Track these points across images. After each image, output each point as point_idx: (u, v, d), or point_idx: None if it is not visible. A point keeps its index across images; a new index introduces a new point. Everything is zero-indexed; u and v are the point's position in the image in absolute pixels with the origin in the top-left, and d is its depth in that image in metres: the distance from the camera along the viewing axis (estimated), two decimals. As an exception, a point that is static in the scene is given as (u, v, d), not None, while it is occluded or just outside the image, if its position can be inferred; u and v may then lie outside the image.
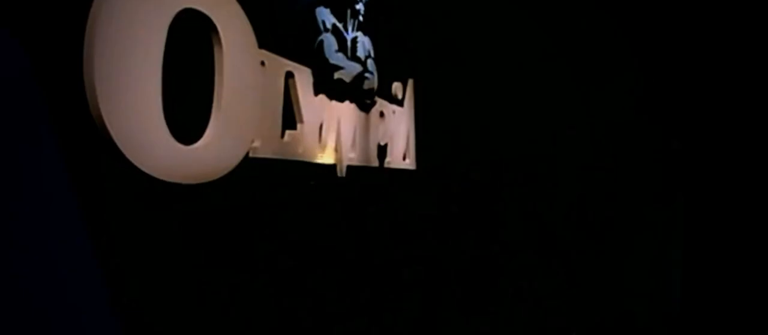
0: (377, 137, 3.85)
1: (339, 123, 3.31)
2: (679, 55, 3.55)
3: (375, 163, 3.84)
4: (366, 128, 3.69)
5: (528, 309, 3.82)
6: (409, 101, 4.33)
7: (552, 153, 4.19)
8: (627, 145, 3.89)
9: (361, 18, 3.54)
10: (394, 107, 4.10)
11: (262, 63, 2.63)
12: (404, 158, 4.28)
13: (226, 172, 2.42)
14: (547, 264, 4.03)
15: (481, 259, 4.18)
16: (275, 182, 2.80)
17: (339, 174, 3.35)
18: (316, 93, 3.07)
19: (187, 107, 2.26)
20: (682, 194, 3.57)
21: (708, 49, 3.49)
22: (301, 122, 2.95)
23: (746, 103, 3.44)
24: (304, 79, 2.95)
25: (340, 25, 3.33)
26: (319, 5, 3.14)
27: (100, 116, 1.89)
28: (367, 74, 3.54)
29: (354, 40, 3.44)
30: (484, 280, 4.15)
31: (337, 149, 3.31)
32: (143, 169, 2.05)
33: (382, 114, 3.89)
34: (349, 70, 3.38)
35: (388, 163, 4.03)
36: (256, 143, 2.60)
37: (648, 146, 3.82)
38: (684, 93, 3.53)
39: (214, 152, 2.36)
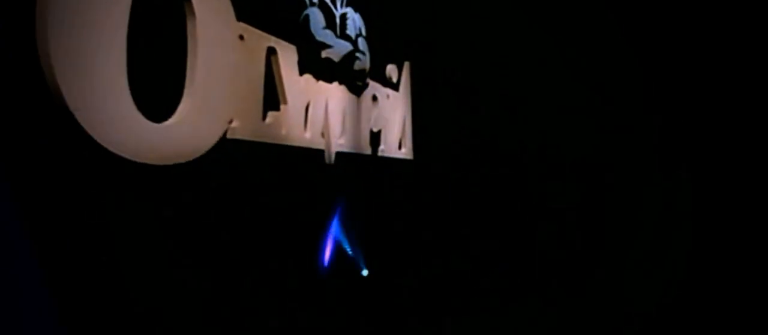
0: (370, 122, 3.82)
1: (327, 105, 3.27)
2: (680, 40, 3.66)
3: (367, 150, 3.81)
4: (357, 113, 3.65)
5: (529, 303, 3.85)
6: (405, 85, 4.30)
7: (558, 140, 4.20)
8: (628, 131, 3.95)
9: (351, -7, 3.54)
10: (389, 90, 4.07)
11: (241, 37, 2.60)
12: (400, 147, 4.28)
13: (200, 153, 2.39)
14: (551, 258, 4.08)
15: (482, 256, 4.19)
16: (256, 166, 2.77)
17: (327, 161, 3.31)
18: (302, 72, 3.04)
19: (158, 82, 2.21)
20: (689, 182, 3.67)
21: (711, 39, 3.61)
22: (285, 102, 2.91)
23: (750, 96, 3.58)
24: (287, 56, 2.92)
25: (327, 0, 3.31)
26: (304, -23, 3.13)
27: (58, 89, 1.85)
28: (358, 54, 3.51)
29: (343, 17, 3.41)
30: (488, 278, 4.16)
31: (324, 134, 3.27)
32: (108, 147, 2.00)
33: (375, 98, 3.86)
34: (337, 49, 3.34)
35: (382, 151, 4.00)
36: (235, 124, 2.57)
37: (649, 135, 3.88)
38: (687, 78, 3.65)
39: (187, 130, 2.33)
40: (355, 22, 3.52)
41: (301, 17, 3.08)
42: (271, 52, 2.81)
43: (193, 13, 2.35)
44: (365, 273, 3.42)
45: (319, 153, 3.25)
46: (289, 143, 2.97)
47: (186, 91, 2.33)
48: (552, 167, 4.14)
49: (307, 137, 3.12)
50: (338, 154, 3.40)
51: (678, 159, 3.74)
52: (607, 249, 3.88)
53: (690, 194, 3.68)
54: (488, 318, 3.76)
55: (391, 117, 4.12)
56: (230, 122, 2.55)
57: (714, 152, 3.63)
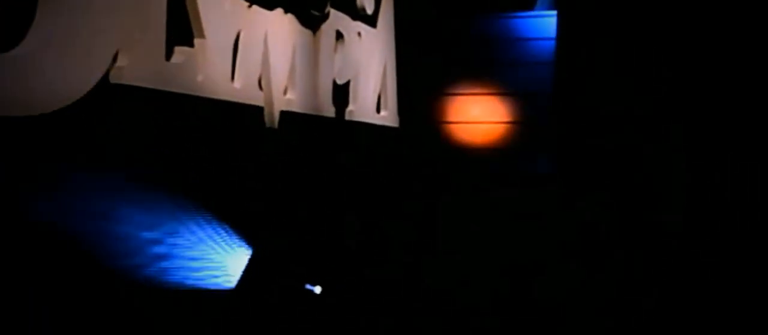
0: (332, 70, 3.80)
1: (266, 42, 3.22)
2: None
3: (329, 111, 3.80)
4: (313, 56, 3.63)
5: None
6: (386, 18, 4.32)
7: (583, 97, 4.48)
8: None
9: None
10: (361, 25, 4.07)
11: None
12: (378, 109, 4.30)
13: (67, 103, 2.29)
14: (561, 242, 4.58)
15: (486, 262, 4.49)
16: (154, 127, 2.72)
17: (267, 123, 3.29)
18: (227, -9, 2.98)
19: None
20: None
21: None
22: (201, 35, 2.85)
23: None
24: (205, -33, 2.85)
25: None
26: None
27: None
28: (313, -31, 3.49)
29: None
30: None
31: (263, 84, 3.23)
32: None
33: (340, 36, 3.85)
34: (282, -40, 3.31)
35: (351, 113, 4.01)
36: (122, 62, 2.47)
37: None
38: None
39: (45, 67, 2.21)
40: None
41: None
42: (179, -42, 2.72)
43: None
44: (318, 289, 3.50)
45: (255, 112, 3.23)
46: (208, 95, 2.91)
47: (40, 10, 2.21)
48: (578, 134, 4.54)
49: (237, 88, 3.08)
50: (285, 115, 3.38)
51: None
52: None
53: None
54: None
55: (366, 64, 4.12)
56: (114, 58, 2.45)
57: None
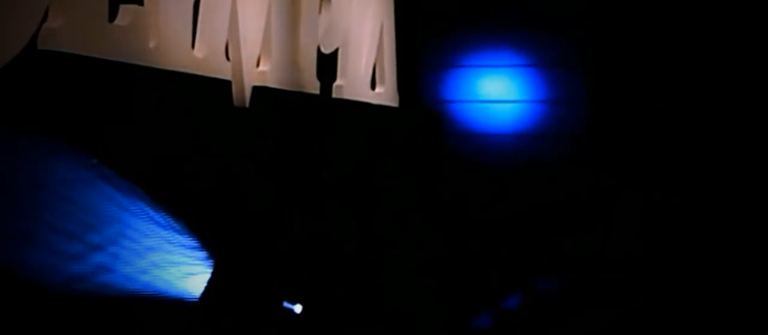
0: (316, 36, 3.78)
1: (234, 0, 3.19)
2: None
3: (313, 87, 3.79)
4: (293, 19, 3.62)
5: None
6: None
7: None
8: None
9: None
10: None
11: None
12: (374, 85, 4.30)
13: None
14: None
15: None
16: (96, 105, 2.72)
17: (236, 102, 3.27)
18: (186, -62, 2.96)
19: None
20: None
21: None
22: None
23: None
24: None
25: None
26: None
27: None
28: None
29: None
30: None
31: (230, 53, 3.22)
32: None
33: None
34: None
35: (340, 89, 4.00)
36: (54, 23, 2.45)
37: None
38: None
39: None
40: None
41: None
42: None
43: None
44: (298, 309, 3.58)
45: (221, 86, 3.22)
46: (162, 66, 2.90)
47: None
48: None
49: (198, 57, 3.07)
50: (258, 91, 3.37)
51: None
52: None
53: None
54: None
55: (358, 29, 4.11)
56: (44, 18, 2.42)
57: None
